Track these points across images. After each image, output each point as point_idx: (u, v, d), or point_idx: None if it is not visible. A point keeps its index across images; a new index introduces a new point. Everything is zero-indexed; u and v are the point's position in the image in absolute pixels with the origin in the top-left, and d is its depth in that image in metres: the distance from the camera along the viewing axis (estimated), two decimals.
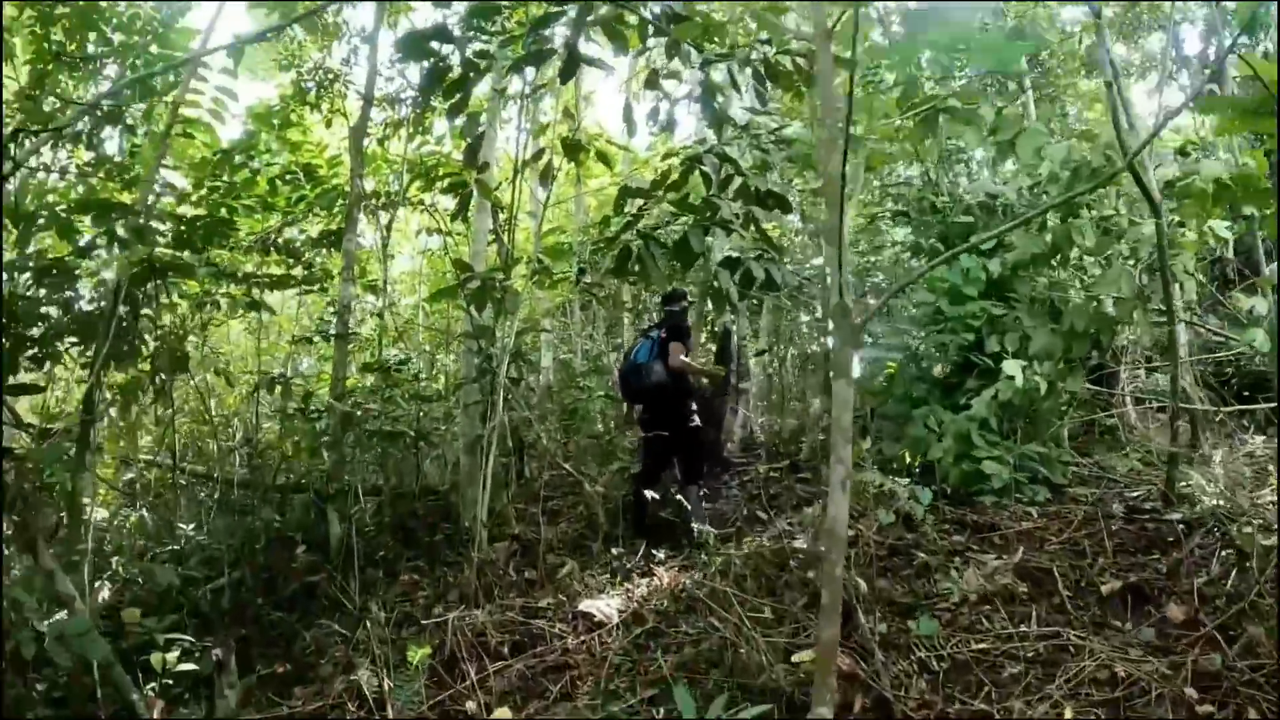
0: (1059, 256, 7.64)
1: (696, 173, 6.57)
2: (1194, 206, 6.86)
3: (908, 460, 6.90)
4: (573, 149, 6.35)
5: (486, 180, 6.37)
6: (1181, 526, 5.77)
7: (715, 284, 6.14)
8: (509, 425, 6.66)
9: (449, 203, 10.28)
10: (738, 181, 6.51)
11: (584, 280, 5.97)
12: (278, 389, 7.75)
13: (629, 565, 6.42)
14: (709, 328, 10.29)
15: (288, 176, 9.44)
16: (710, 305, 6.52)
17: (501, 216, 6.99)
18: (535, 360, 12.47)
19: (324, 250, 9.56)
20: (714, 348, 9.75)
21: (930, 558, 5.67)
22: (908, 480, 6.32)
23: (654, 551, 6.73)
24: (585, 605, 5.45)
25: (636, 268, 5.78)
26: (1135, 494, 7.06)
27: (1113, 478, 7.57)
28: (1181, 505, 6.15)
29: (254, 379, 7.97)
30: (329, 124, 9.59)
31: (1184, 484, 6.35)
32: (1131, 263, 7.40)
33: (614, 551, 6.58)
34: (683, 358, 6.98)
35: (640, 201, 6.23)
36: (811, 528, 5.85)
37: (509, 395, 6.45)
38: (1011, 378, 6.93)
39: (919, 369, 7.65)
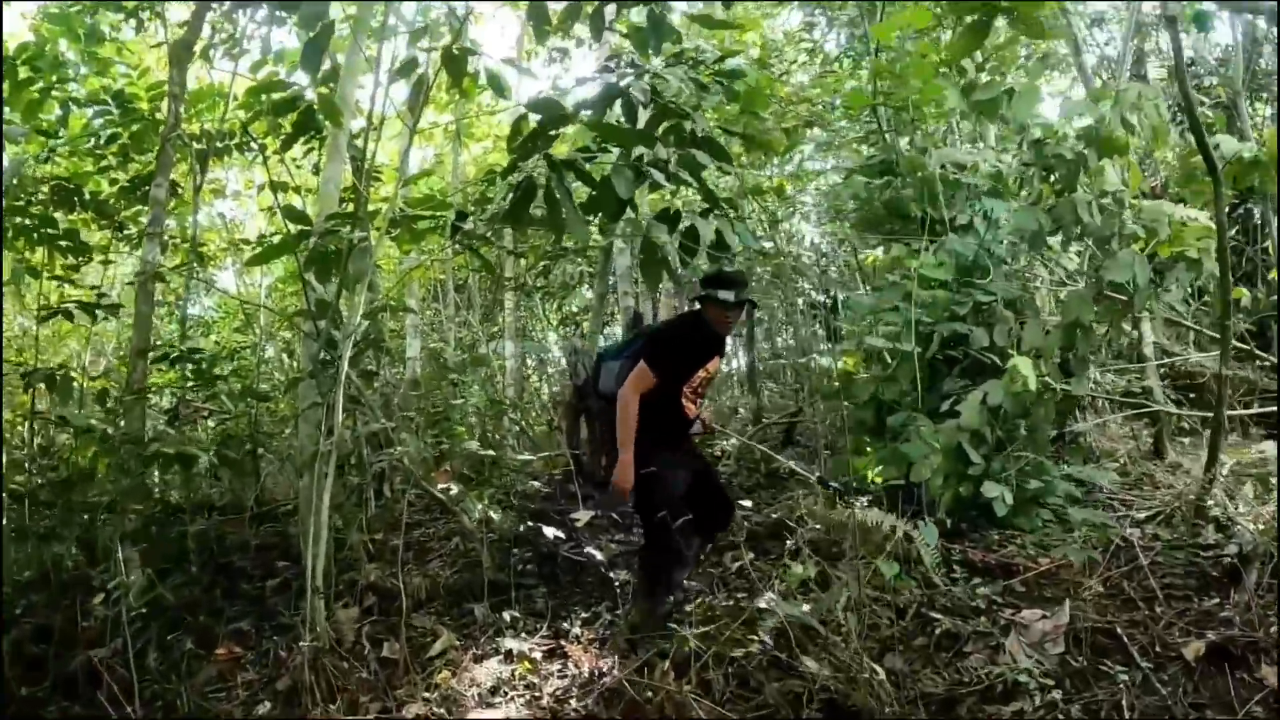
0: (1059, 235, 6.24)
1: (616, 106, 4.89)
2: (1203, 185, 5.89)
3: (874, 480, 5.34)
4: (455, 64, 4.61)
5: (333, 100, 4.58)
6: (1231, 559, 4.64)
7: (652, 245, 4.35)
8: (360, 434, 4.79)
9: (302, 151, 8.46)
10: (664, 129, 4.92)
11: (462, 232, 4.00)
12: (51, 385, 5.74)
13: (528, 638, 4.69)
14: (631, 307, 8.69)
15: (96, 107, 7.40)
16: (641, 275, 4.78)
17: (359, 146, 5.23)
18: (399, 349, 10.66)
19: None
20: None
21: (952, 621, 4.17)
22: (902, 510, 4.80)
23: (563, 613, 5.05)
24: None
25: (541, 212, 3.96)
26: (1144, 514, 5.92)
27: (1114, 496, 6.32)
28: (1206, 528, 5.20)
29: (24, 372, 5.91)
30: (140, 28, 7.53)
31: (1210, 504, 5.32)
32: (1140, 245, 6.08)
33: (507, 616, 4.81)
34: (628, 389, 4.57)
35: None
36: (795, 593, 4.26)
37: (358, 396, 4.69)
38: (1007, 377, 5.51)
39: (886, 365, 6.10)
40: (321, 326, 4.36)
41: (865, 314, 6.12)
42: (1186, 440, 8.35)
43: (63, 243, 7.04)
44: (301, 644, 3.84)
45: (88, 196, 7.60)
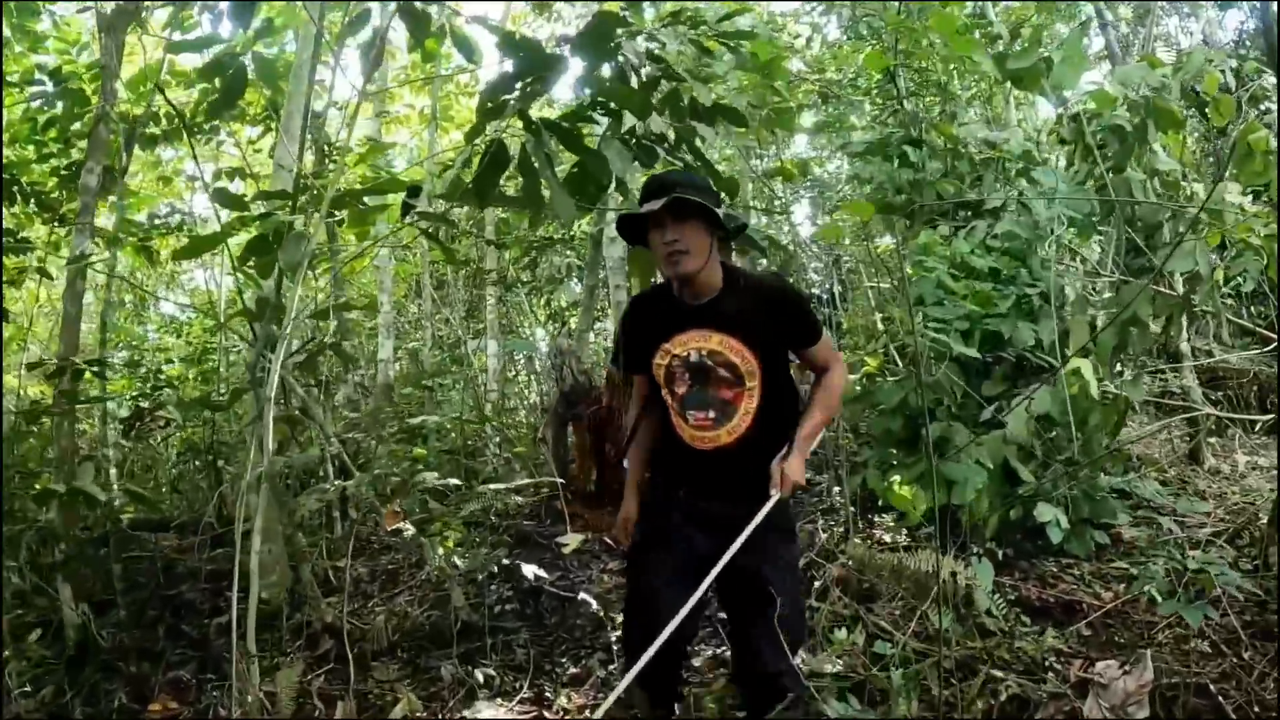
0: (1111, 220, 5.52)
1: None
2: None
3: (915, 504, 4.62)
4: (416, 20, 3.87)
5: (271, 62, 3.83)
6: None
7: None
8: (292, 462, 4.03)
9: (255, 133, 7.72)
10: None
11: (415, 209, 3.17)
12: None
13: (504, 702, 3.92)
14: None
15: (28, 88, 6.63)
16: (633, 267, 4.03)
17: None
18: (368, 350, 9.92)
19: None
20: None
21: (1018, 679, 3.46)
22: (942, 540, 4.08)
23: (547, 664, 4.31)
24: None
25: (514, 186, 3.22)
26: (1202, 531, 5.32)
27: (1160, 512, 5.64)
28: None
29: None
30: None
31: None
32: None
33: (480, 675, 4.03)
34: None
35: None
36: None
37: (305, 409, 3.96)
38: (1059, 381, 4.81)
39: (913, 368, 5.35)
40: (256, 330, 3.61)
41: (912, 307, 5.31)
42: (1214, 441, 7.73)
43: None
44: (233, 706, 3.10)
45: (28, 187, 6.84)
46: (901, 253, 4.48)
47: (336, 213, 3.48)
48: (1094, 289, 6.79)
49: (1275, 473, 6.12)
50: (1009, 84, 6.25)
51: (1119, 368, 5.69)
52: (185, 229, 7.26)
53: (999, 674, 3.54)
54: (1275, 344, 6.02)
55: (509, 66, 3.09)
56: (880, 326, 9.02)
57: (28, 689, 4.87)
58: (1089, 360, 4.67)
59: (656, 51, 4.22)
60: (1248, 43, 9.32)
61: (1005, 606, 3.93)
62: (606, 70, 3.98)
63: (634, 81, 4.16)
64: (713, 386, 2.84)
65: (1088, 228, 5.44)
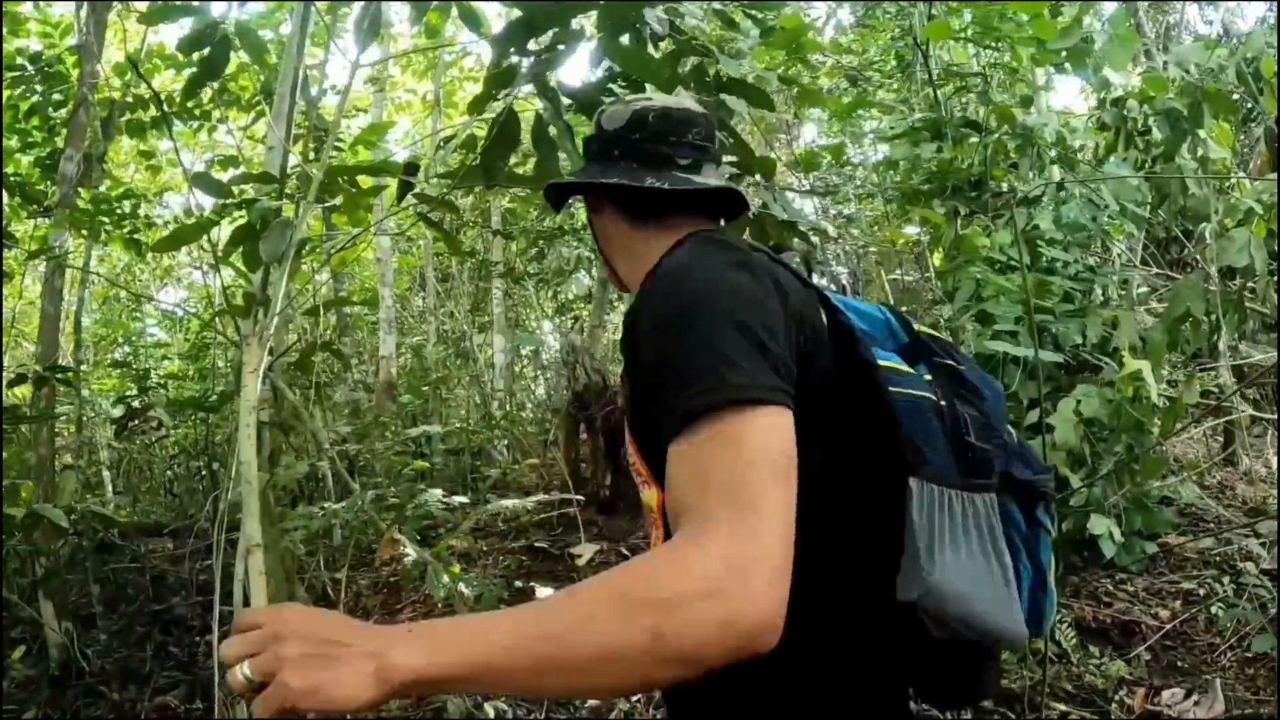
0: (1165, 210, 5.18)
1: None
2: None
3: None
4: None
5: (255, 31, 3.49)
6: None
7: None
8: (276, 478, 3.67)
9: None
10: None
11: (413, 189, 2.82)
12: None
13: None
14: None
15: (8, 73, 6.30)
16: None
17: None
18: (369, 346, 9.59)
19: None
20: None
21: (1081, 714, 3.12)
22: None
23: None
24: None
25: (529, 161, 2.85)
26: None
27: (1204, 519, 5.33)
28: None
29: None
30: None
31: None
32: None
33: (492, 711, 3.61)
34: None
35: None
36: None
37: (285, 420, 3.62)
38: (1108, 383, 4.49)
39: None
40: (240, 327, 3.26)
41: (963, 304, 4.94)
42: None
43: None
44: None
45: (10, 178, 6.51)
46: (1018, 232, 4.09)
47: (329, 198, 3.12)
48: (1124, 285, 6.48)
49: None
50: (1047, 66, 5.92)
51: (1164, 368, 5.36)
52: (172, 219, 6.93)
53: (1062, 707, 3.21)
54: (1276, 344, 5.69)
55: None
56: None
57: (13, 709, 4.61)
58: (1144, 360, 4.32)
59: (679, 24, 3.89)
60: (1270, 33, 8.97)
61: (1070, 632, 3.59)
62: (625, 41, 3.62)
63: (655, 46, 3.83)
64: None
65: (1138, 219, 5.08)
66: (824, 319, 1.26)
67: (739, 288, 1.16)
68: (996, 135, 5.27)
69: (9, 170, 6.50)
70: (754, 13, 4.44)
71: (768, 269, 1.23)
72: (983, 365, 4.77)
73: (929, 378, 1.32)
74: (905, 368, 1.31)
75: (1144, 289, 7.01)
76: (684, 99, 1.59)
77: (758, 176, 3.44)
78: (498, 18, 7.42)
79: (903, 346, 1.39)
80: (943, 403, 1.28)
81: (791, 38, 4.58)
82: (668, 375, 1.10)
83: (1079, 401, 4.56)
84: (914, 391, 1.26)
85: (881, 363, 1.25)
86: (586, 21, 3.39)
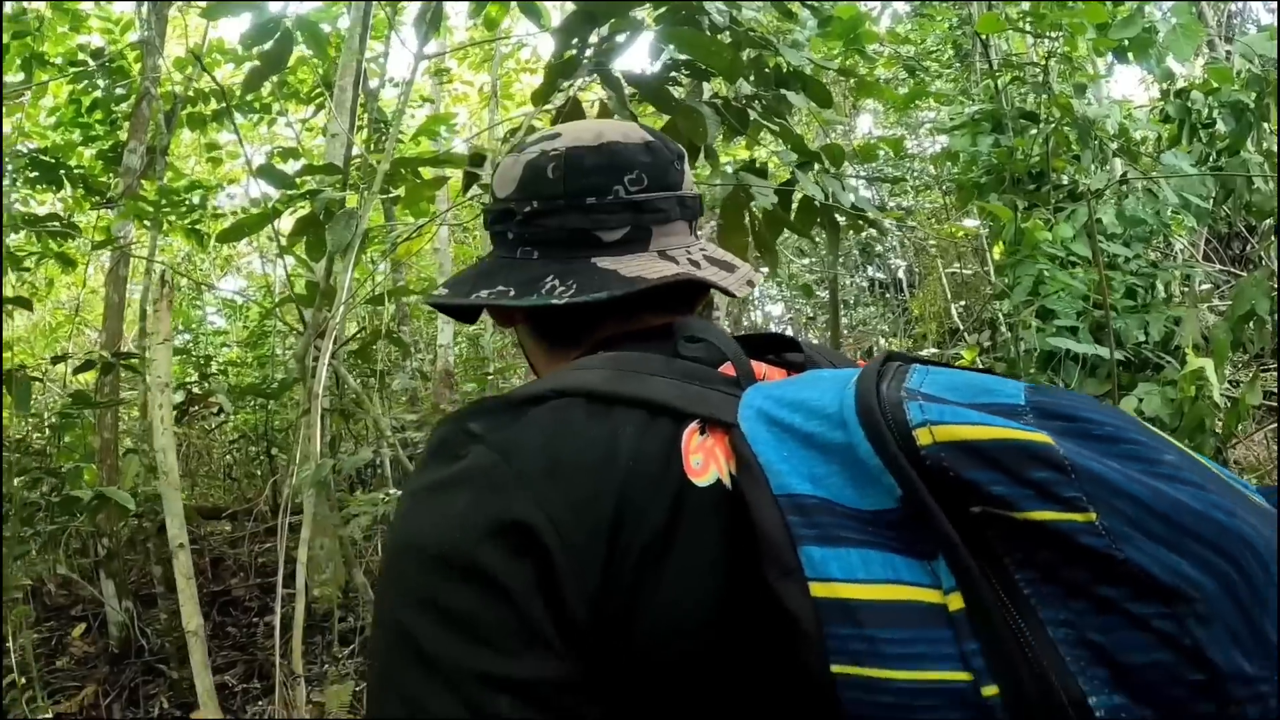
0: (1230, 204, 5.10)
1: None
2: None
3: None
4: None
5: (316, 25, 3.54)
6: None
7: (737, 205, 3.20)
8: (340, 465, 3.73)
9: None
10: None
11: (479, 180, 2.84)
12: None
13: None
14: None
15: (71, 69, 6.44)
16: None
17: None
18: (427, 335, 9.66)
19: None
20: None
21: None
22: None
23: None
24: None
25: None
26: None
27: None
28: None
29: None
30: None
31: None
32: None
33: None
34: None
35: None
36: None
37: (359, 402, 3.67)
38: (1169, 382, 4.42)
39: (1013, 363, 4.96)
40: (305, 318, 3.33)
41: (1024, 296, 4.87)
42: None
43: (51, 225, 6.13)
44: None
45: (74, 170, 6.66)
46: (1091, 226, 4.04)
47: (392, 189, 3.16)
48: (1187, 281, 6.38)
49: None
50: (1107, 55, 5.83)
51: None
52: (216, 211, 7.05)
53: None
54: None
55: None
56: (954, 315, 8.62)
57: (75, 684, 4.74)
58: (1206, 359, 4.24)
59: (737, 16, 3.89)
60: None
61: None
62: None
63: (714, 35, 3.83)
64: None
65: (1201, 214, 5.00)
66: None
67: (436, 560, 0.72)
68: (1055, 126, 5.20)
69: (71, 163, 6.65)
70: (811, 4, 4.43)
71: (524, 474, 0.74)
72: (1042, 363, 4.72)
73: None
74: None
75: (1207, 286, 6.90)
76: (618, 124, 1.01)
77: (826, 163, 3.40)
78: (556, 10, 7.48)
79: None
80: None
81: (849, 28, 4.56)
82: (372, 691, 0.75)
83: (1140, 400, 4.49)
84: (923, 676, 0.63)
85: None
86: (645, 12, 3.40)
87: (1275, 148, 5.14)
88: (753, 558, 0.68)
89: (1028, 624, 0.62)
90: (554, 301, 0.89)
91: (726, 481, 0.74)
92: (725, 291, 0.96)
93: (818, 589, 0.65)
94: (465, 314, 1.15)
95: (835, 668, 0.63)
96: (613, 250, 0.93)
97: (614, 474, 0.74)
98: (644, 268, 0.91)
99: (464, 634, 0.69)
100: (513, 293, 0.92)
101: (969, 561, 0.64)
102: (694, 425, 0.78)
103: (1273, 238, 5.45)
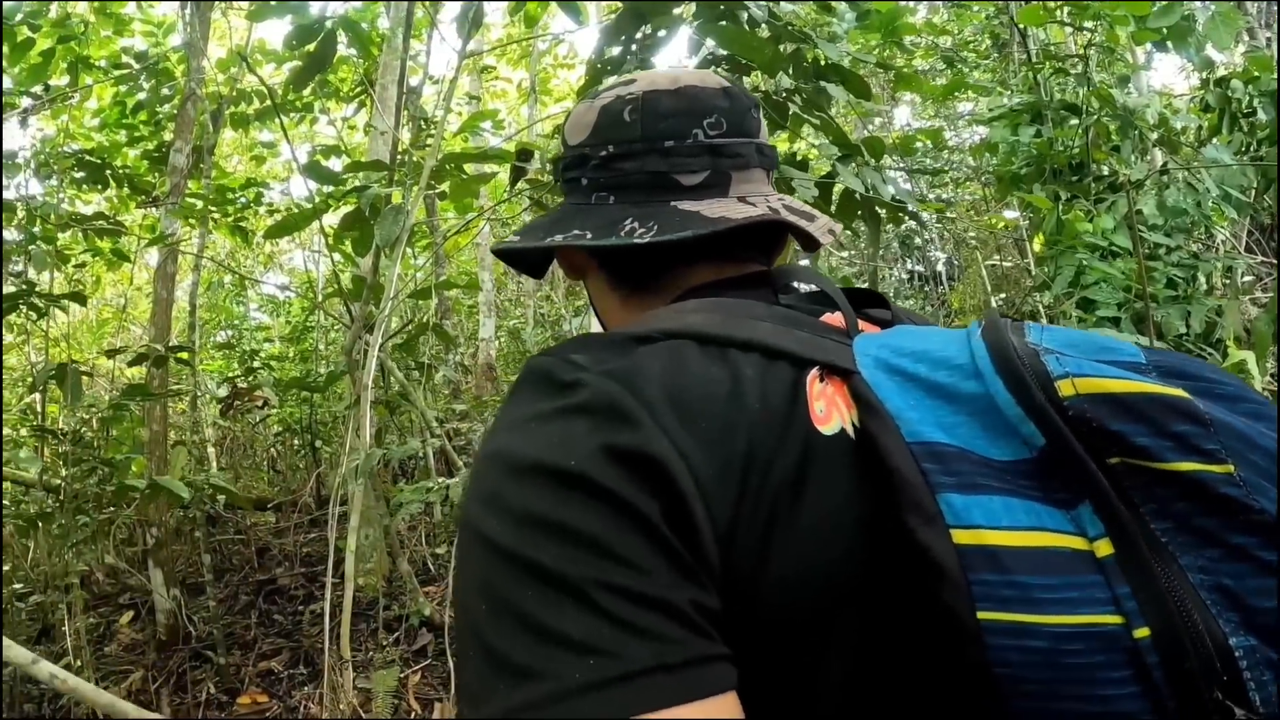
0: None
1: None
2: None
3: None
4: None
5: (357, 25, 3.61)
6: None
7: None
8: (390, 454, 3.79)
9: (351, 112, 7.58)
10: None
11: (525, 179, 2.88)
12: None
13: None
14: None
15: (115, 71, 6.58)
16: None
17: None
18: (468, 329, 9.72)
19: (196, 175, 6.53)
20: None
21: None
22: None
23: None
24: None
25: None
26: None
27: None
28: None
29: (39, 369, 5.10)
30: None
31: None
32: None
33: None
34: None
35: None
36: None
37: (404, 394, 3.74)
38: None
39: None
40: (352, 312, 3.40)
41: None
42: None
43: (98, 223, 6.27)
44: None
45: (120, 170, 6.80)
46: (1131, 217, 4.02)
47: (436, 185, 3.22)
48: (1228, 272, 6.30)
49: None
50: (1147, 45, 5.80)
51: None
52: (269, 206, 7.15)
53: None
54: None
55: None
56: (995, 308, 8.57)
57: (126, 668, 4.85)
58: (1249, 352, 4.20)
59: (775, 10, 3.91)
60: None
61: None
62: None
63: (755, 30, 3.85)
64: None
65: (1241, 205, 4.96)
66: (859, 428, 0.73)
67: (569, 496, 0.65)
68: (1096, 117, 5.18)
69: (117, 163, 6.78)
70: None
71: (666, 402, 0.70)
72: None
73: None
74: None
75: (1249, 277, 6.82)
76: (694, 71, 0.99)
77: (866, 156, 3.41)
78: (593, 6, 7.52)
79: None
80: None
81: (887, 21, 4.56)
82: (468, 647, 0.65)
83: None
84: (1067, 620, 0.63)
85: (974, 529, 0.65)
86: (684, 8, 3.43)
87: None
88: (888, 507, 0.67)
89: (1168, 570, 0.63)
90: (635, 241, 0.87)
91: (850, 431, 0.73)
92: (809, 239, 0.96)
93: (961, 536, 0.64)
94: (534, 266, 1.12)
95: (982, 614, 0.63)
96: (692, 194, 0.92)
97: (742, 414, 0.71)
98: (727, 210, 0.89)
99: (596, 550, 0.63)
100: (590, 235, 0.90)
101: (1119, 507, 0.64)
102: (815, 371, 0.76)
103: None
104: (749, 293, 0.88)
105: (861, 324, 0.88)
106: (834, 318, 0.85)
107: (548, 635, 0.61)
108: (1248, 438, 0.65)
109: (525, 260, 1.11)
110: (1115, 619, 0.62)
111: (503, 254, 1.06)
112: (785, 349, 0.76)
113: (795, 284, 0.90)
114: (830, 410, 0.73)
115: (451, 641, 4.10)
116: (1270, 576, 0.62)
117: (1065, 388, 0.66)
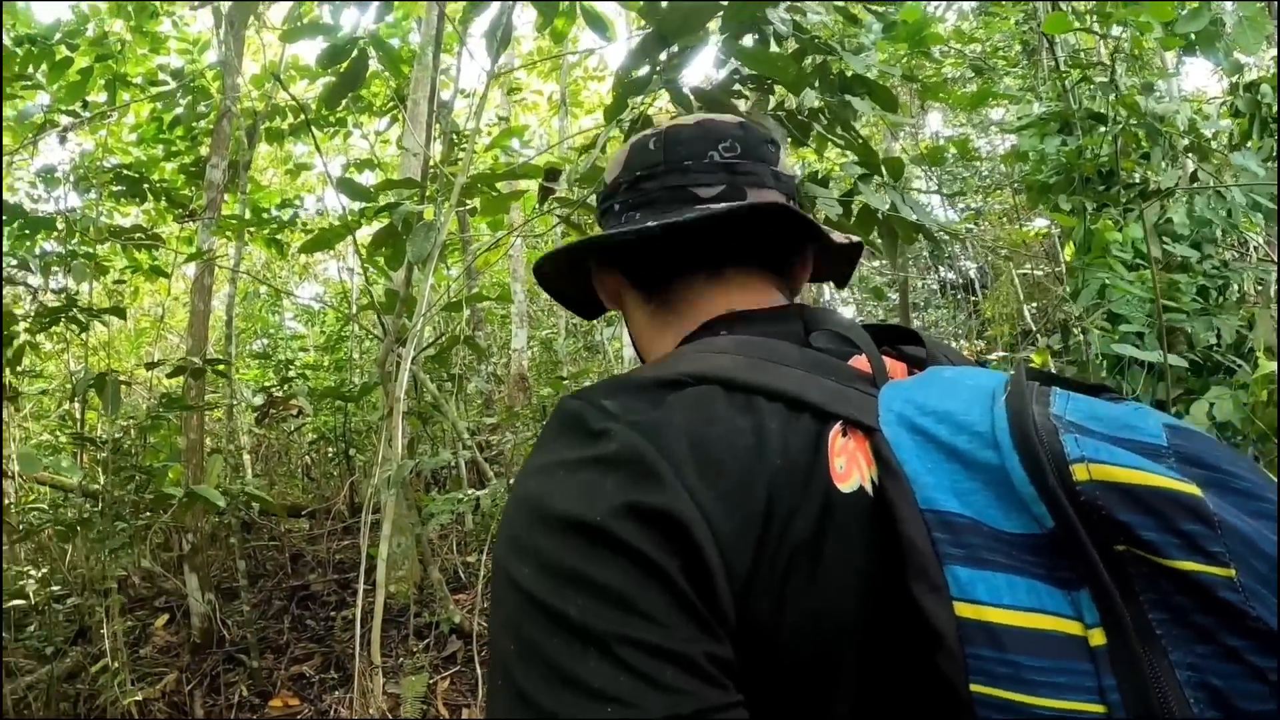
0: None
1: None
2: None
3: None
4: None
5: (387, 43, 3.67)
6: None
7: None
8: (423, 464, 3.84)
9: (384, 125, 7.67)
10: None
11: (553, 197, 2.91)
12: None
13: None
14: None
15: (152, 88, 6.70)
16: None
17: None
18: (500, 339, 9.80)
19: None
20: None
21: None
22: None
23: None
24: None
25: None
26: None
27: None
28: None
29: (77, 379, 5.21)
30: None
31: None
32: None
33: None
34: None
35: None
36: None
37: (437, 405, 3.80)
38: (1241, 386, 4.35)
39: (1083, 367, 4.94)
40: (386, 326, 3.46)
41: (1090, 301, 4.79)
42: None
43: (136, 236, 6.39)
44: None
45: (157, 185, 6.93)
46: (1146, 228, 4.02)
47: (468, 201, 3.28)
48: (1260, 282, 6.24)
49: None
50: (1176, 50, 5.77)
51: None
52: (302, 222, 7.26)
53: None
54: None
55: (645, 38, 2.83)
56: (1026, 317, 8.54)
57: (161, 670, 4.94)
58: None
59: (801, 23, 3.93)
60: None
61: None
62: (748, 41, 3.68)
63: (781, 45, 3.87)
64: None
65: (1270, 214, 4.92)
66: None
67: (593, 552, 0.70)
68: (1123, 126, 5.16)
69: (155, 177, 6.92)
70: (876, 8, 4.45)
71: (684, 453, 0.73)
72: (1111, 367, 4.68)
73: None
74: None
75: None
76: (714, 115, 1.07)
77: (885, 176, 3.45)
78: (620, 19, 7.58)
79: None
80: None
81: (914, 31, 4.58)
82: (499, 680, 0.71)
83: (1211, 405, 4.42)
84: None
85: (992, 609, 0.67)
86: (710, 23, 3.47)
87: None
88: (897, 570, 0.69)
89: (1158, 664, 0.64)
90: (648, 224, 0.94)
91: (868, 488, 0.75)
92: (821, 234, 1.00)
93: (963, 609, 0.67)
94: (585, 306, 1.18)
95: (975, 686, 0.65)
96: (709, 204, 0.97)
97: (763, 468, 0.74)
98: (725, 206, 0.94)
99: (618, 605, 0.67)
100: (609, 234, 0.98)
101: (1117, 601, 0.65)
102: (838, 427, 0.78)
103: None
104: (779, 328, 0.91)
105: (893, 364, 0.91)
106: (863, 361, 0.88)
107: (572, 683, 0.66)
108: (1251, 541, 0.66)
109: (576, 301, 1.18)
110: (1098, 709, 0.64)
111: (554, 294, 1.16)
112: (810, 401, 0.79)
113: (826, 325, 0.92)
114: (850, 468, 0.76)
115: (480, 649, 4.16)
116: (1261, 682, 0.63)
117: (1080, 472, 0.67)
